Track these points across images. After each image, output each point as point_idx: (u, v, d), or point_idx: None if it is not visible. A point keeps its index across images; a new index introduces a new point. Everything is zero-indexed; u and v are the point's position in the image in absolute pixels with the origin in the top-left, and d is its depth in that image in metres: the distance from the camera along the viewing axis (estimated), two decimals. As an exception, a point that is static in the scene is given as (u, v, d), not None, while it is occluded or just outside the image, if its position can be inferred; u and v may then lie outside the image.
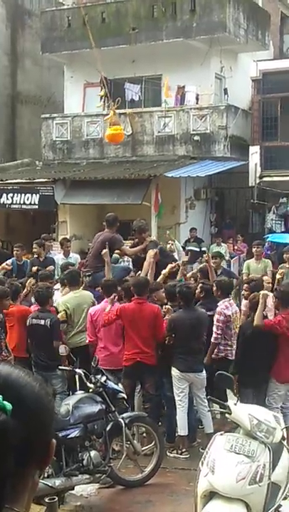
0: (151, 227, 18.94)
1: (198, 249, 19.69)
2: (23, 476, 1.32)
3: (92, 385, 7.29)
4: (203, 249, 20.14)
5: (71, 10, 23.50)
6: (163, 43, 21.42)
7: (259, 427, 5.33)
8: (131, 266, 12.15)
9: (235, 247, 20.12)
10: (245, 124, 21.57)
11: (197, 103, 21.33)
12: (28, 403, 1.31)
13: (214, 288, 9.53)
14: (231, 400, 5.47)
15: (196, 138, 20.92)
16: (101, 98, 18.31)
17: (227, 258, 18.74)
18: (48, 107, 25.60)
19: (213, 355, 9.16)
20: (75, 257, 13.83)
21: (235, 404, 5.42)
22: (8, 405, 1.25)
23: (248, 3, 22.58)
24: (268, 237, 18.41)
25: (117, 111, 22.26)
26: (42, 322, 8.85)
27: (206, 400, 8.58)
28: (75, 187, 20.31)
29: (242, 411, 5.40)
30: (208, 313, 9.16)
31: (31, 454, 1.31)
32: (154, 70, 21.87)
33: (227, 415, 5.50)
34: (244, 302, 10.69)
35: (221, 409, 5.74)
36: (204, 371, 8.70)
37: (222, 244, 20.15)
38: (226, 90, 21.78)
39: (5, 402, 1.25)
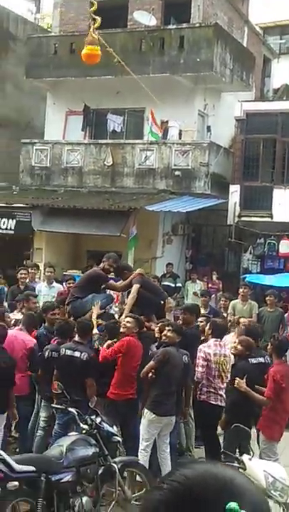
0: (127, 260, 18.79)
1: (173, 285, 19.55)
2: None
3: (86, 426, 7.02)
4: (178, 285, 20.05)
5: (58, 37, 23.45)
6: (149, 76, 21.40)
7: (274, 485, 5.13)
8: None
9: (210, 285, 20.03)
10: (226, 162, 21.61)
11: (180, 138, 21.34)
12: None
13: (206, 328, 9.45)
14: (246, 455, 5.25)
15: (177, 173, 20.88)
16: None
17: (202, 296, 18.67)
18: (27, 132, 25.34)
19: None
20: (57, 287, 13.53)
21: (250, 459, 5.21)
22: None
23: (235, 44, 22.77)
24: (245, 277, 18.34)
25: (99, 141, 22.36)
26: (77, 354, 8.57)
27: (169, 446, 8.36)
28: (54, 214, 20.05)
29: (257, 467, 5.19)
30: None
31: None
32: (138, 103, 21.84)
33: (241, 470, 5.28)
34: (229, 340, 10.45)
35: (235, 464, 5.51)
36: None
37: (197, 281, 20.07)
38: (209, 128, 21.84)
39: None
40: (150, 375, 8.38)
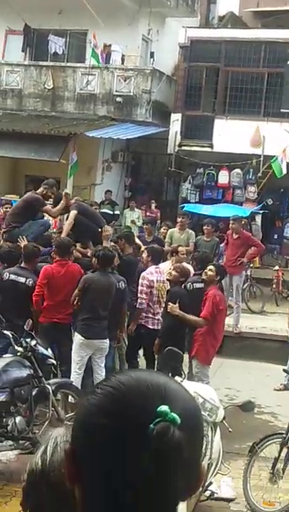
0: (66, 186, 18.63)
1: (111, 212, 19.53)
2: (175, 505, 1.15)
3: (21, 349, 7.08)
4: (117, 212, 20.05)
5: None
6: (93, -4, 20.78)
7: (204, 405, 5.30)
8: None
9: (148, 213, 20.11)
10: (168, 90, 21.37)
11: (122, 64, 20.94)
12: (191, 418, 1.13)
13: (144, 255, 9.56)
14: (178, 377, 5.39)
15: (119, 99, 20.58)
16: None
17: (140, 224, 18.75)
18: None
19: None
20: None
21: (182, 381, 5.34)
22: (177, 418, 1.08)
23: None
24: (183, 207, 18.42)
25: (40, 62, 21.79)
26: (22, 280, 8.51)
27: (104, 369, 8.54)
28: (-9, 138, 19.60)
29: (188, 388, 5.33)
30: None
31: (189, 477, 1.13)
32: (81, 24, 21.26)
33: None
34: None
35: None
36: (108, 339, 8.67)
37: (136, 209, 20.12)
38: (152, 54, 21.50)
39: (174, 415, 1.07)
40: (76, 301, 8.48)
